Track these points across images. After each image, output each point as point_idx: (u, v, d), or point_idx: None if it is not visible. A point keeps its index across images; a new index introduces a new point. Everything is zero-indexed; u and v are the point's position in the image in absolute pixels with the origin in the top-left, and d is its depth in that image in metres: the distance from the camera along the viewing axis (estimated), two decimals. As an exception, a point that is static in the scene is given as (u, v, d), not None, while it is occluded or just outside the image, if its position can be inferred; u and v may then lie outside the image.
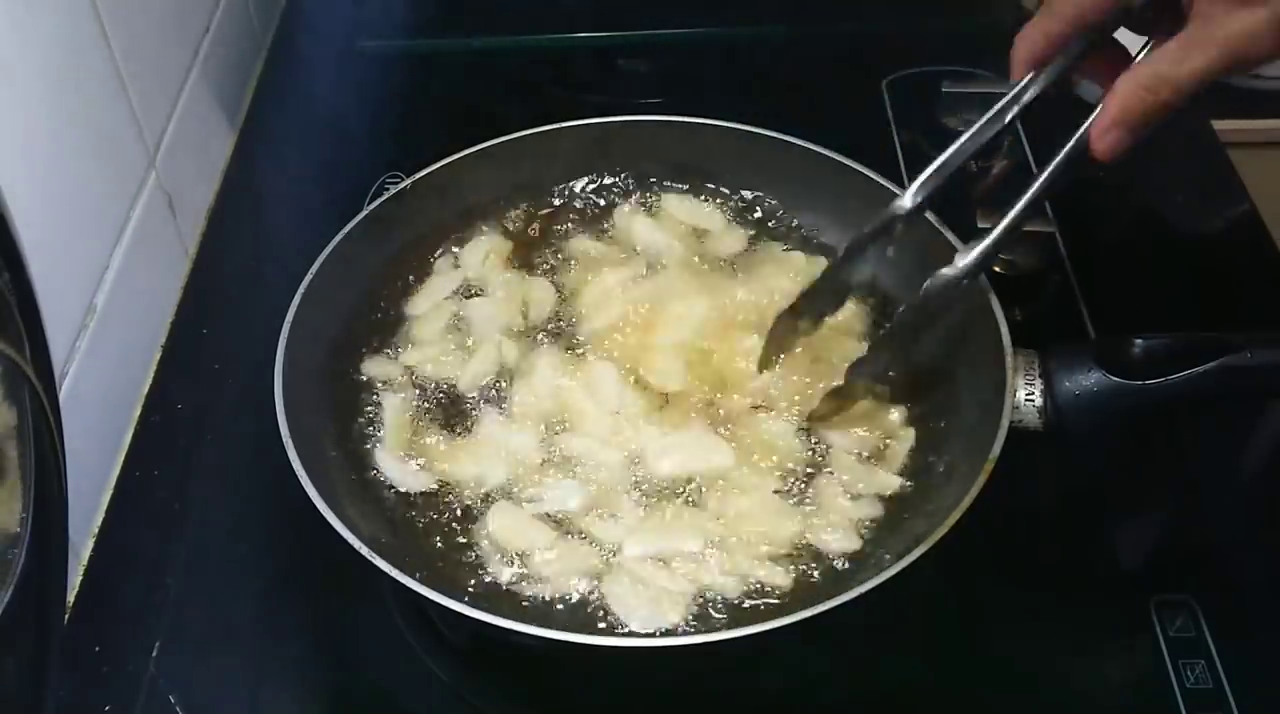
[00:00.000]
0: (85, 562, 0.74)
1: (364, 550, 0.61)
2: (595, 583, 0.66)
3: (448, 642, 0.71)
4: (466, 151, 0.83)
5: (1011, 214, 0.65)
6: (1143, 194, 0.99)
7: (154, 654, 0.70)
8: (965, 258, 0.66)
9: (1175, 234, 0.97)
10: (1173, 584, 0.72)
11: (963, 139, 0.66)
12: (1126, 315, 0.88)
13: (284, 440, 0.65)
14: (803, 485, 0.71)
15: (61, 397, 0.58)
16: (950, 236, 0.75)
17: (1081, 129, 0.62)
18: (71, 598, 0.71)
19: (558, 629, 0.61)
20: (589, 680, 0.69)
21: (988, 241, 0.65)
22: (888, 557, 0.67)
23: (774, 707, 0.69)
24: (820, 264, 0.81)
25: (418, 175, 0.82)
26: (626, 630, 0.64)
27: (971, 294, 0.68)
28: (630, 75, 1.13)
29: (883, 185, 0.80)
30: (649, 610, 0.65)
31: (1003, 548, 0.72)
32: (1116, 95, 0.59)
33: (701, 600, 0.65)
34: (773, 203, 0.86)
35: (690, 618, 0.64)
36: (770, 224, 0.86)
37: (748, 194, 0.86)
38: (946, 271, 0.66)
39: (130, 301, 0.81)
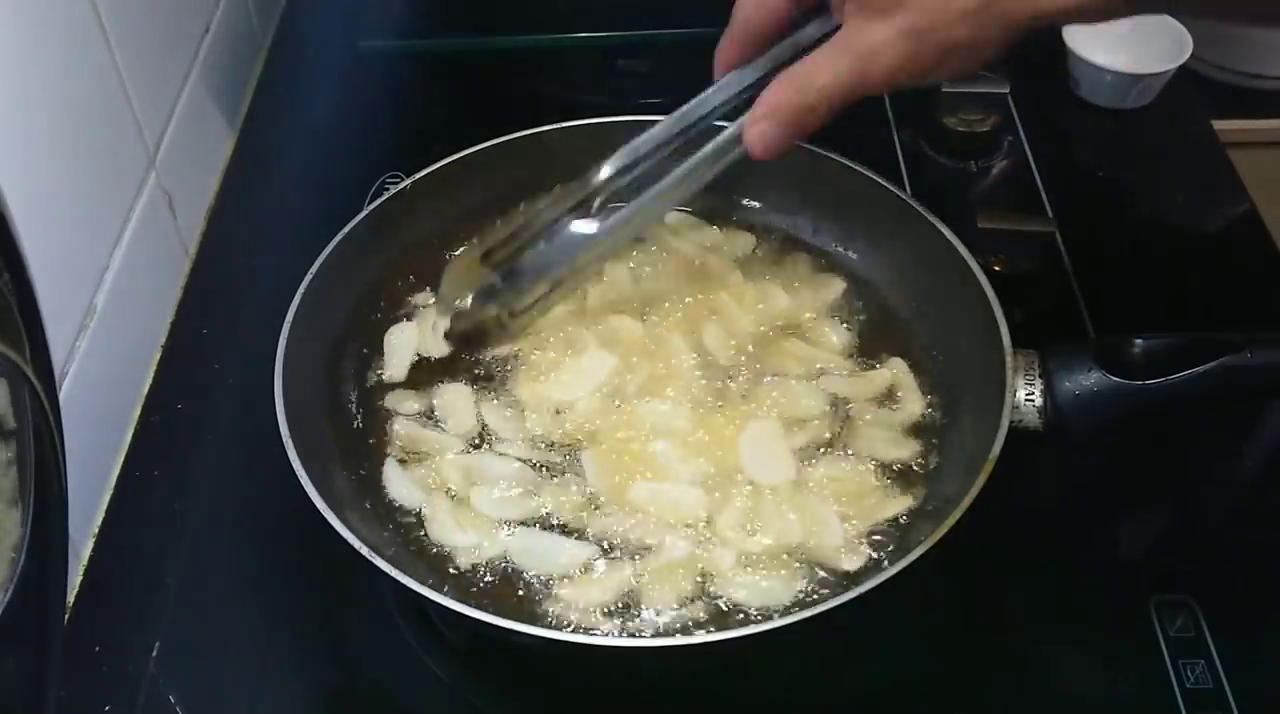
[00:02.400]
0: (85, 562, 0.74)
1: (364, 550, 0.61)
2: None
3: (448, 642, 0.71)
4: (466, 151, 0.83)
5: (652, 191, 0.70)
6: (1143, 194, 0.99)
7: (154, 654, 0.70)
8: (595, 225, 0.71)
9: (1175, 234, 0.97)
10: (1173, 584, 0.72)
11: (659, 125, 0.72)
12: (1126, 315, 0.88)
13: (284, 440, 0.65)
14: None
15: (61, 397, 0.58)
16: (949, 234, 0.75)
17: (738, 122, 0.67)
18: (71, 598, 0.71)
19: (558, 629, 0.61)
20: (589, 680, 0.69)
21: (618, 216, 0.70)
22: (887, 557, 0.67)
23: (774, 707, 0.69)
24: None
25: (418, 175, 0.82)
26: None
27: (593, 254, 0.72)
28: (630, 75, 1.13)
29: (883, 185, 0.80)
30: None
31: (1003, 548, 0.72)
32: (770, 91, 0.63)
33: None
34: (773, 203, 0.86)
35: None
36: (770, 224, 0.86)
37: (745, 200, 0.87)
38: (575, 231, 0.71)
39: (130, 301, 0.81)
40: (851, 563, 0.67)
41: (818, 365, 0.77)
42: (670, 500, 0.69)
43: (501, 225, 0.74)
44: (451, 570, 0.68)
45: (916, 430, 0.74)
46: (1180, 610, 0.70)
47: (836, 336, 0.79)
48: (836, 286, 0.82)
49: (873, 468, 0.71)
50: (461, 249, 0.76)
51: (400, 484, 0.72)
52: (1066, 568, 0.74)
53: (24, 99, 0.68)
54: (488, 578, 0.67)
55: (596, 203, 0.71)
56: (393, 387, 0.77)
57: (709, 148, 0.68)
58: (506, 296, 0.74)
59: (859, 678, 0.70)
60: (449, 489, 0.71)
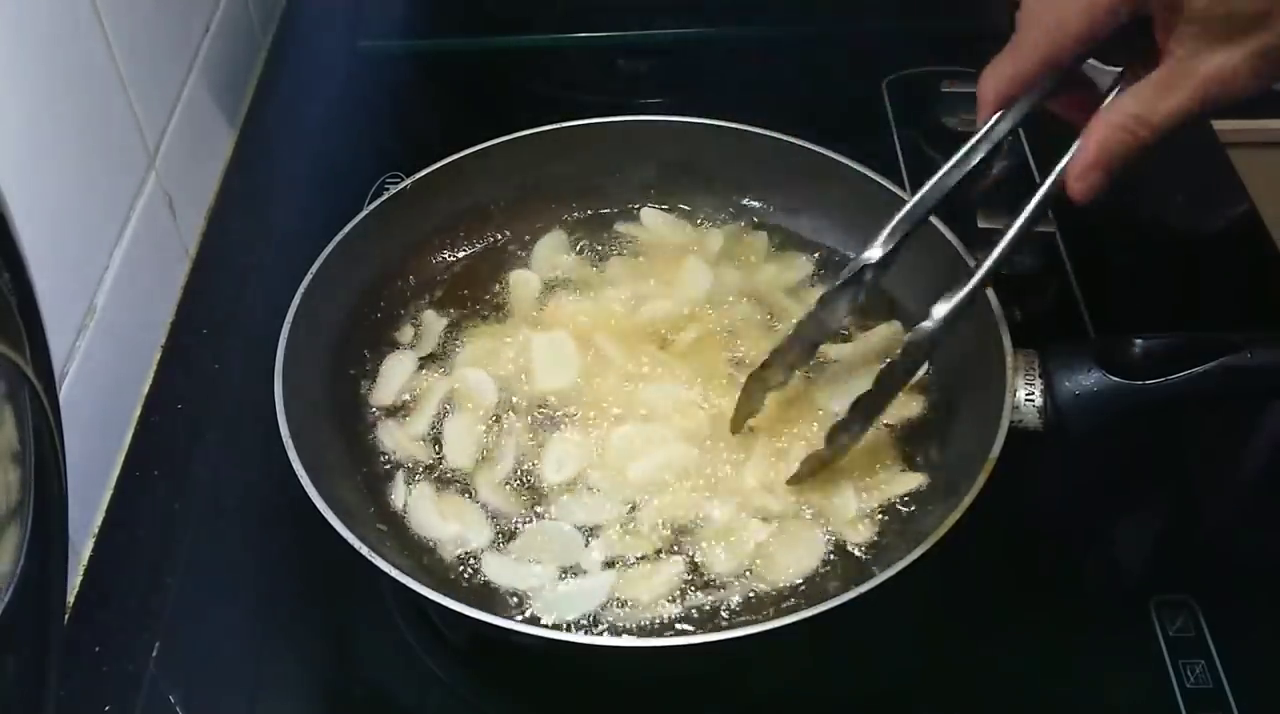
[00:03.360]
0: (85, 562, 0.74)
1: (364, 550, 0.61)
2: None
3: (448, 642, 0.71)
4: (466, 151, 0.83)
5: (989, 261, 0.65)
6: (1143, 194, 0.99)
7: (154, 654, 0.70)
8: (942, 311, 0.65)
9: (1175, 234, 0.97)
10: (1173, 584, 0.72)
11: (929, 185, 0.66)
12: (1126, 315, 0.88)
13: (284, 440, 0.65)
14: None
15: (61, 397, 0.58)
16: (949, 235, 0.75)
17: (1057, 170, 0.61)
18: (71, 598, 0.71)
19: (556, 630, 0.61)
20: (589, 680, 0.69)
21: (962, 293, 0.65)
22: (887, 557, 0.67)
23: (774, 707, 0.69)
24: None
25: (418, 175, 0.82)
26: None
27: (942, 343, 0.66)
28: (630, 75, 1.13)
29: (883, 185, 0.80)
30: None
31: (1003, 548, 0.72)
32: (1094, 137, 0.58)
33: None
34: (773, 203, 0.86)
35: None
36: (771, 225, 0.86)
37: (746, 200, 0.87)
38: (925, 326, 0.65)
39: (130, 301, 0.81)
40: (861, 535, 0.68)
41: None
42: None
43: (782, 341, 0.71)
44: (450, 572, 0.68)
45: (916, 430, 0.74)
46: (1180, 610, 0.70)
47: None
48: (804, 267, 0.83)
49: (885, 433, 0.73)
50: (749, 375, 0.72)
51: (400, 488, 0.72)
52: (1066, 567, 0.74)
53: (24, 99, 0.68)
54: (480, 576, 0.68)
55: (868, 280, 0.67)
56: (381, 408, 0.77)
57: (1032, 206, 0.62)
58: (858, 426, 0.68)
59: (859, 678, 0.70)
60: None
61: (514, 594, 0.66)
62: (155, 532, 0.76)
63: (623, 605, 0.65)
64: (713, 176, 0.87)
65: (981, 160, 0.65)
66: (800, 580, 0.67)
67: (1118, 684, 0.68)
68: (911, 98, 1.05)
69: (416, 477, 0.72)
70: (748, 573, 0.67)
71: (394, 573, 0.60)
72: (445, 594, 0.60)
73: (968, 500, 0.61)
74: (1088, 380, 0.66)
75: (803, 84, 1.07)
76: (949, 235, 0.75)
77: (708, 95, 1.05)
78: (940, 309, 0.65)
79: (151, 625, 0.71)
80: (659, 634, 0.64)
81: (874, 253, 0.67)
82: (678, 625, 0.65)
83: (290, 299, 0.73)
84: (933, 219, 0.75)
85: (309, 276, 0.74)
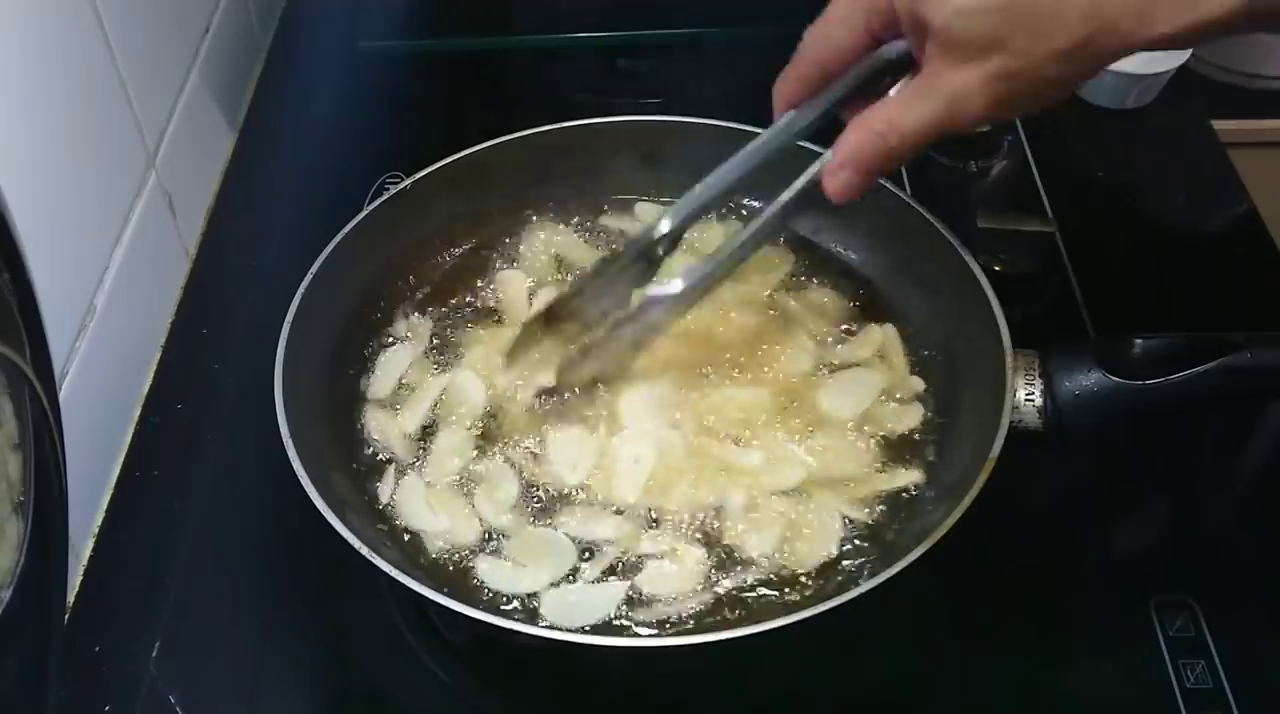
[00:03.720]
0: (85, 562, 0.74)
1: (364, 550, 0.61)
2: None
3: (448, 642, 0.71)
4: (467, 151, 0.83)
5: (734, 245, 0.68)
6: (1143, 194, 0.99)
7: (154, 654, 0.70)
8: (677, 284, 0.68)
9: (1175, 234, 0.97)
10: (1173, 584, 0.72)
11: (722, 169, 0.68)
12: (1126, 315, 0.88)
13: (284, 440, 0.65)
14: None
15: (61, 397, 0.58)
16: (949, 235, 0.75)
17: (813, 168, 0.64)
18: (71, 598, 0.71)
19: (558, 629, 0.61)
20: (589, 680, 0.69)
21: (701, 271, 0.68)
22: (886, 557, 0.67)
23: (774, 707, 0.69)
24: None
25: (418, 175, 0.82)
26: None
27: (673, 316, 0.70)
28: (630, 75, 1.13)
29: (883, 185, 0.80)
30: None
31: (1002, 548, 0.72)
32: (848, 137, 0.61)
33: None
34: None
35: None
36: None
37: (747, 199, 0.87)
38: (657, 292, 0.68)
39: (130, 301, 0.81)
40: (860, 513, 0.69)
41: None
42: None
43: (563, 288, 0.73)
44: (449, 572, 0.68)
45: (917, 430, 0.74)
46: (1180, 610, 0.70)
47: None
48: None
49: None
50: (526, 318, 0.75)
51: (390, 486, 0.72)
52: (1067, 568, 0.74)
53: (24, 99, 0.68)
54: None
55: (657, 255, 0.70)
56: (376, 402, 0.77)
57: (786, 197, 0.66)
58: (593, 364, 0.72)
59: (859, 678, 0.70)
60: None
61: (514, 597, 0.66)
62: (155, 532, 0.76)
63: (648, 604, 0.65)
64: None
65: (773, 153, 0.68)
66: (821, 562, 0.67)
67: (1118, 684, 0.68)
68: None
69: (407, 472, 0.72)
70: (777, 554, 0.67)
71: (395, 573, 0.60)
72: (445, 594, 0.60)
73: (968, 500, 0.61)
74: (1088, 380, 0.66)
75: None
76: (949, 235, 0.75)
77: (708, 95, 1.05)
78: (675, 285, 0.68)
79: (151, 625, 0.71)
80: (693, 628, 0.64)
81: (662, 226, 0.69)
82: (706, 619, 0.65)
83: (290, 299, 0.73)
84: (932, 219, 0.76)
85: (309, 276, 0.74)
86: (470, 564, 0.68)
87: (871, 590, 0.58)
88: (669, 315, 0.70)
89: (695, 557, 0.67)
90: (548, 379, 0.74)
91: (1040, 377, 0.67)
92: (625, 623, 0.65)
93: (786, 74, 0.66)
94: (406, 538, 0.69)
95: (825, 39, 0.64)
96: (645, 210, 0.87)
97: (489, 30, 1.15)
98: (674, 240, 0.69)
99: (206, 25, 0.99)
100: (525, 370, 0.75)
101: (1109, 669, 0.69)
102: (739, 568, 0.67)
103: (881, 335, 0.78)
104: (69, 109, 0.74)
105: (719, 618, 0.65)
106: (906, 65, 0.61)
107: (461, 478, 0.72)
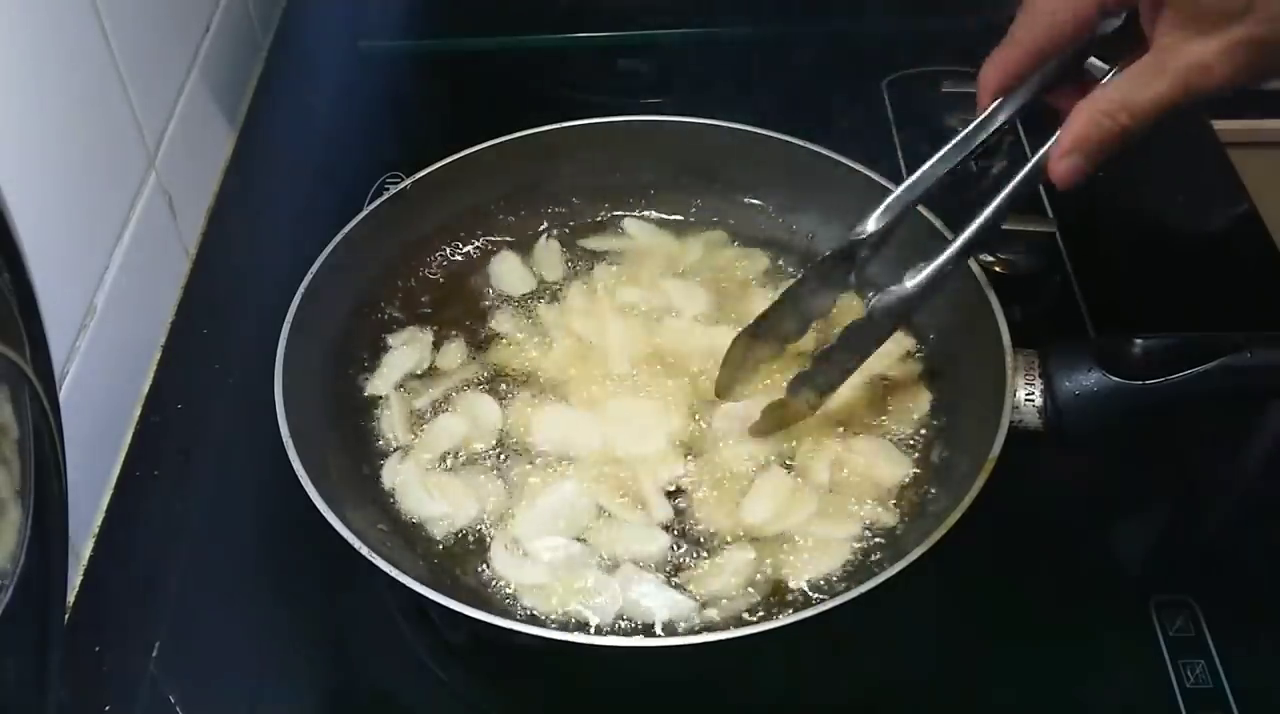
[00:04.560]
0: (85, 562, 0.74)
1: (364, 550, 0.61)
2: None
3: (448, 642, 0.71)
4: (466, 151, 0.83)
5: (967, 232, 0.65)
6: (1143, 194, 0.99)
7: (154, 654, 0.70)
8: (914, 279, 0.65)
9: (1175, 234, 0.97)
10: (1173, 584, 0.72)
11: (927, 165, 0.67)
12: (1126, 315, 0.88)
13: (284, 440, 0.65)
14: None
15: (61, 397, 0.58)
16: (949, 235, 0.75)
17: (1040, 152, 0.62)
18: (71, 598, 0.71)
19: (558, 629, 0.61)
20: (589, 680, 0.69)
21: (937, 263, 0.65)
22: (887, 557, 0.67)
23: (774, 707, 0.69)
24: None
25: (418, 175, 0.82)
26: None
27: (916, 311, 0.67)
28: (630, 75, 1.13)
29: (883, 185, 0.80)
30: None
31: (1002, 548, 0.72)
32: (1075, 121, 0.59)
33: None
34: (773, 203, 0.86)
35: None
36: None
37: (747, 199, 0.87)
38: (894, 290, 0.66)
39: (130, 301, 0.81)
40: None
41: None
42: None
43: (772, 302, 0.71)
44: (450, 571, 0.68)
45: (917, 430, 0.74)
46: (1180, 610, 0.70)
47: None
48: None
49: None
50: (734, 336, 0.72)
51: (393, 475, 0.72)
52: (1066, 568, 0.74)
53: (24, 99, 0.68)
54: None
55: (861, 257, 0.68)
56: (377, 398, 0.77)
57: (1013, 185, 0.63)
58: (821, 379, 0.69)
59: (859, 678, 0.70)
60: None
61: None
62: (155, 532, 0.76)
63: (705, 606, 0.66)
64: (713, 176, 0.87)
65: (978, 147, 0.65)
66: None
67: (1118, 684, 0.68)
68: (911, 98, 1.05)
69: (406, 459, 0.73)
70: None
71: (394, 573, 0.60)
72: (445, 594, 0.60)
73: (968, 500, 0.61)
74: (1088, 380, 0.66)
75: (802, 84, 1.07)
76: (949, 235, 0.75)
77: (708, 95, 1.05)
78: (912, 277, 0.65)
79: (151, 625, 0.71)
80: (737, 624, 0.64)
81: (867, 227, 0.67)
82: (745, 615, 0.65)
83: (290, 299, 0.73)
84: (932, 219, 0.76)
85: (309, 276, 0.74)
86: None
87: (871, 590, 0.58)
88: (894, 321, 0.67)
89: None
90: (765, 400, 0.72)
91: (1040, 377, 0.67)
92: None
93: (996, 58, 0.62)
94: (410, 528, 0.70)
95: (1048, 18, 0.59)
96: (631, 226, 0.88)
97: (489, 30, 1.15)
98: (881, 240, 0.67)
99: (206, 25, 0.99)
100: (735, 383, 0.74)
101: (1109, 669, 0.69)
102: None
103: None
104: (69, 109, 0.74)
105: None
106: (1118, 44, 0.59)
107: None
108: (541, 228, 0.87)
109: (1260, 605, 0.72)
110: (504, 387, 0.77)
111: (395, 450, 0.74)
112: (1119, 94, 0.57)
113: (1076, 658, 0.69)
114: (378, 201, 0.80)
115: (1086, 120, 0.58)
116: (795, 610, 0.59)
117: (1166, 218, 0.98)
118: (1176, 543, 0.77)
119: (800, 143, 0.83)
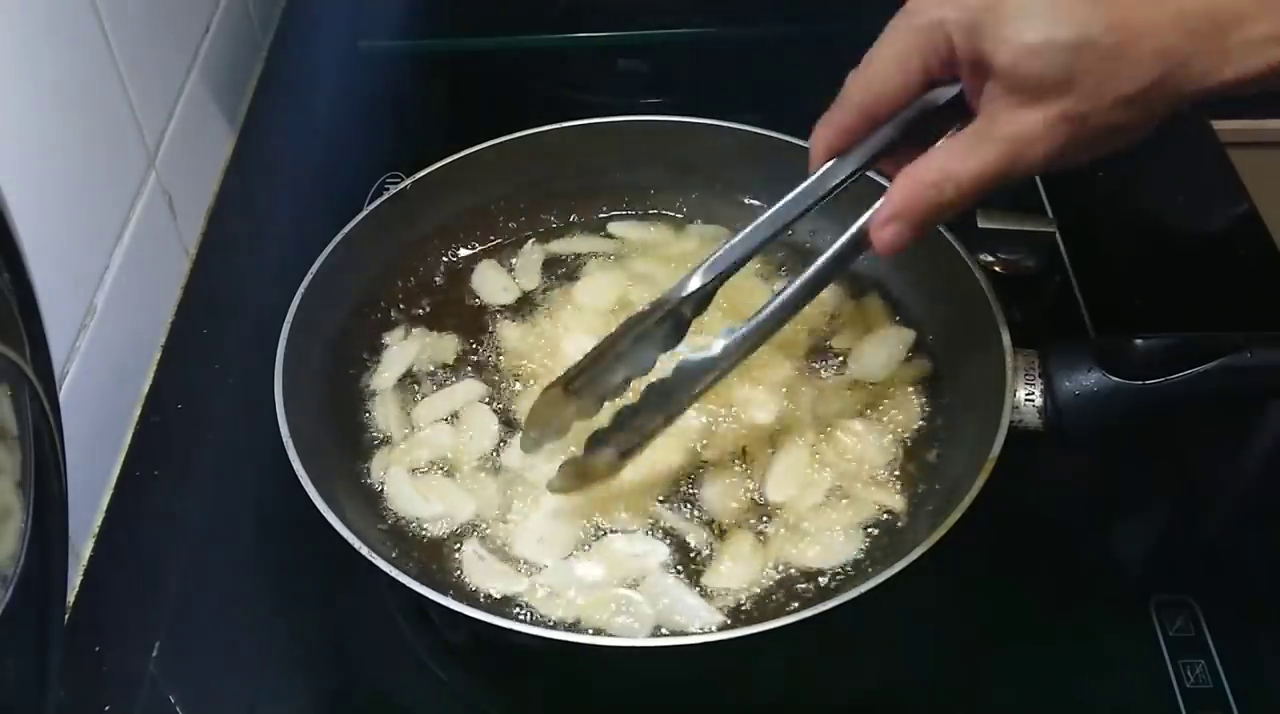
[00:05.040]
0: (85, 562, 0.74)
1: (364, 550, 0.61)
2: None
3: (448, 642, 0.71)
4: (466, 151, 0.83)
5: (773, 304, 0.64)
6: (1143, 194, 0.99)
7: (154, 654, 0.70)
8: (717, 346, 0.64)
9: (1175, 234, 0.97)
10: (1173, 584, 0.72)
11: (756, 222, 0.64)
12: (1126, 315, 0.88)
13: (284, 440, 0.65)
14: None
15: (61, 397, 0.58)
16: (949, 235, 0.75)
17: (861, 219, 0.61)
18: (71, 598, 0.71)
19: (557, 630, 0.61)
20: (589, 680, 0.69)
21: (742, 331, 0.64)
22: (887, 557, 0.67)
23: (774, 707, 0.69)
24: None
25: (418, 175, 0.82)
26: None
27: (724, 375, 0.65)
28: (630, 75, 1.13)
29: (883, 186, 0.79)
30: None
31: (1002, 548, 0.72)
32: (896, 190, 0.58)
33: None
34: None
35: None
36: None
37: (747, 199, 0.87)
38: (694, 357, 0.64)
39: (130, 301, 0.81)
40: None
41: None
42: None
43: (586, 354, 0.67)
44: (450, 571, 0.68)
45: (917, 430, 0.74)
46: (1180, 610, 0.70)
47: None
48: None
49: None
50: (545, 385, 0.68)
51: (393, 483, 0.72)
52: (1066, 568, 0.74)
53: (24, 99, 0.68)
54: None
55: (685, 317, 0.65)
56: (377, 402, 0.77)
57: (833, 251, 0.62)
58: (623, 438, 0.66)
59: (859, 678, 0.70)
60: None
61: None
62: (155, 532, 0.76)
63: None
64: (713, 176, 0.87)
65: (810, 207, 0.64)
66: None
67: (1118, 684, 0.68)
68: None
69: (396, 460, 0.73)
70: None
71: (394, 573, 0.60)
72: (445, 594, 0.60)
73: (968, 500, 0.61)
74: (1088, 380, 0.66)
75: (803, 84, 1.07)
76: (949, 235, 0.75)
77: (708, 95, 1.05)
78: (722, 340, 0.64)
79: (151, 625, 0.71)
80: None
81: (690, 283, 0.64)
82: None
83: (290, 299, 0.73)
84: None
85: (309, 276, 0.74)
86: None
87: (870, 591, 0.58)
88: (705, 383, 0.65)
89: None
90: (566, 453, 0.68)
91: (1040, 377, 0.67)
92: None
93: (828, 119, 0.62)
94: (407, 527, 0.70)
95: (876, 81, 0.59)
96: (618, 228, 0.88)
97: (489, 30, 1.15)
98: (704, 299, 0.65)
99: (206, 25, 0.99)
100: (543, 439, 0.70)
101: (1109, 669, 0.69)
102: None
103: (899, 334, 0.79)
104: (69, 109, 0.74)
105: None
106: (955, 113, 0.58)
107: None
108: (541, 228, 0.87)
109: (1260, 605, 0.72)
110: (503, 387, 0.77)
111: (383, 445, 0.74)
112: (942, 162, 0.56)
113: (1076, 658, 0.69)
114: (378, 201, 0.80)
115: (910, 188, 0.57)
116: (801, 607, 0.59)
117: (1166, 218, 0.98)
118: (1176, 543, 0.77)
119: (800, 143, 0.82)
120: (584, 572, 0.67)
